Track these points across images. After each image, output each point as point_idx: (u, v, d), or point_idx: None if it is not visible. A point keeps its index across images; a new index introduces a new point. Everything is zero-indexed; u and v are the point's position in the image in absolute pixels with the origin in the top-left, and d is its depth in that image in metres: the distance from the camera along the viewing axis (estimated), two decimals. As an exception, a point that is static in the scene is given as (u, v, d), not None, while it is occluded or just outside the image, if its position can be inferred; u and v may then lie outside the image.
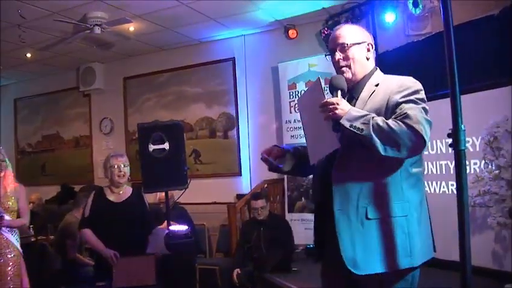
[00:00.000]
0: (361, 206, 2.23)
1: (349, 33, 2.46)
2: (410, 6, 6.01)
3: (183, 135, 4.88)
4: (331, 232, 2.28)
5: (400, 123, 2.12)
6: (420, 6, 5.86)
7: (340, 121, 2.14)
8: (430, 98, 2.39)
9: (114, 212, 4.22)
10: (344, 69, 2.43)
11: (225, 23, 7.44)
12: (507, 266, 4.43)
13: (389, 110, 2.25)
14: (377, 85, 2.38)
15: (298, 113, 7.02)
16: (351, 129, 2.12)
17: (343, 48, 2.43)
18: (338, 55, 2.44)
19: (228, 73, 8.27)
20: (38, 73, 9.77)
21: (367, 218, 2.22)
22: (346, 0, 6.65)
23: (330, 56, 2.53)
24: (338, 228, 2.23)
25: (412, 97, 2.24)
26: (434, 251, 2.39)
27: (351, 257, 2.20)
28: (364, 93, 2.38)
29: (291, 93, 7.31)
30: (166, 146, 4.55)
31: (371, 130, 2.10)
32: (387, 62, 6.10)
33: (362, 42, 2.45)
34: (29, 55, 8.29)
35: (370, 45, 2.49)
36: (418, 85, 2.31)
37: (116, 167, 4.35)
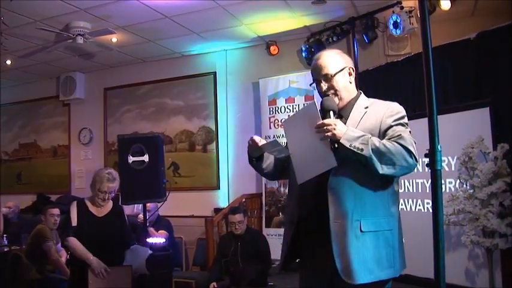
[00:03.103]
0: (355, 219, 2.28)
1: (331, 62, 2.50)
2: (390, 27, 6.13)
3: (163, 147, 4.88)
4: (313, 244, 2.43)
5: (396, 144, 2.23)
6: (400, 27, 5.97)
7: (340, 141, 2.21)
8: (408, 117, 2.46)
9: (96, 225, 4.14)
10: (331, 96, 2.49)
11: (207, 37, 7.48)
12: (480, 284, 4.50)
13: (382, 131, 2.35)
14: (366, 107, 2.47)
15: (278, 129, 7.09)
16: (351, 148, 2.20)
17: (328, 78, 2.48)
18: (324, 86, 2.49)
19: (208, 87, 8.28)
20: (17, 80, 9.67)
21: (361, 231, 2.28)
22: (327, 18, 6.74)
23: (314, 85, 2.57)
24: (334, 239, 2.27)
25: (401, 121, 2.38)
26: None
27: (344, 267, 2.25)
28: (354, 114, 2.45)
29: (271, 108, 7.37)
30: (145, 158, 4.55)
31: (370, 150, 2.19)
32: (367, 81, 6.21)
33: (344, 68, 2.51)
34: (8, 62, 8.19)
35: (351, 69, 2.55)
36: (404, 111, 2.44)
37: (104, 191, 4.17)
